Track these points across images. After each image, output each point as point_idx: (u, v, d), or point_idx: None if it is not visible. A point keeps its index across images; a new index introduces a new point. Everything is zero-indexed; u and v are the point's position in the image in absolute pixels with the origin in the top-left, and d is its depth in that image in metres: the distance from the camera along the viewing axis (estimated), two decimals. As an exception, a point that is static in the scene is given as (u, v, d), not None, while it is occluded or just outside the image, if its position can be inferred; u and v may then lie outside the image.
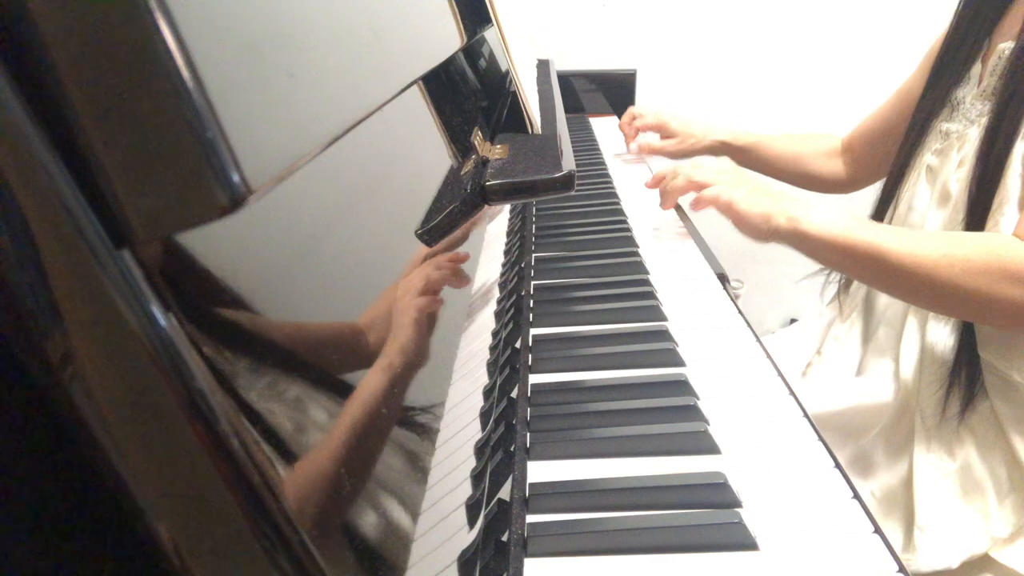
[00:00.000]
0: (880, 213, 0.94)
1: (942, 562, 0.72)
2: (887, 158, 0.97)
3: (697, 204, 0.83)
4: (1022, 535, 0.73)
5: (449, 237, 0.48)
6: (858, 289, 0.95)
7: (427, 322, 0.39)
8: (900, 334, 0.84)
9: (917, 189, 0.86)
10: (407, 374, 0.33)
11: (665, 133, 1.18)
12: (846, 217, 0.71)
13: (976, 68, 0.83)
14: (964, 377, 0.76)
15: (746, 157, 1.13)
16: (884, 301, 0.89)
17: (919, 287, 0.68)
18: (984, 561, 0.74)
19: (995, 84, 0.77)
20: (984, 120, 0.77)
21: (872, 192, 1.07)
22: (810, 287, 1.05)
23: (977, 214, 0.74)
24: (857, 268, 0.72)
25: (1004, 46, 0.77)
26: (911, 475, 0.77)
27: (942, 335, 0.79)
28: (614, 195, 1.05)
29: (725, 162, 0.86)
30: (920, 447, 0.77)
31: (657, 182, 0.93)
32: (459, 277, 0.49)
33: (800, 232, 0.71)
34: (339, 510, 0.24)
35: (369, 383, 0.29)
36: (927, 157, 0.85)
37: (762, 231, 0.74)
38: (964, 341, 0.76)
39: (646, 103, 1.73)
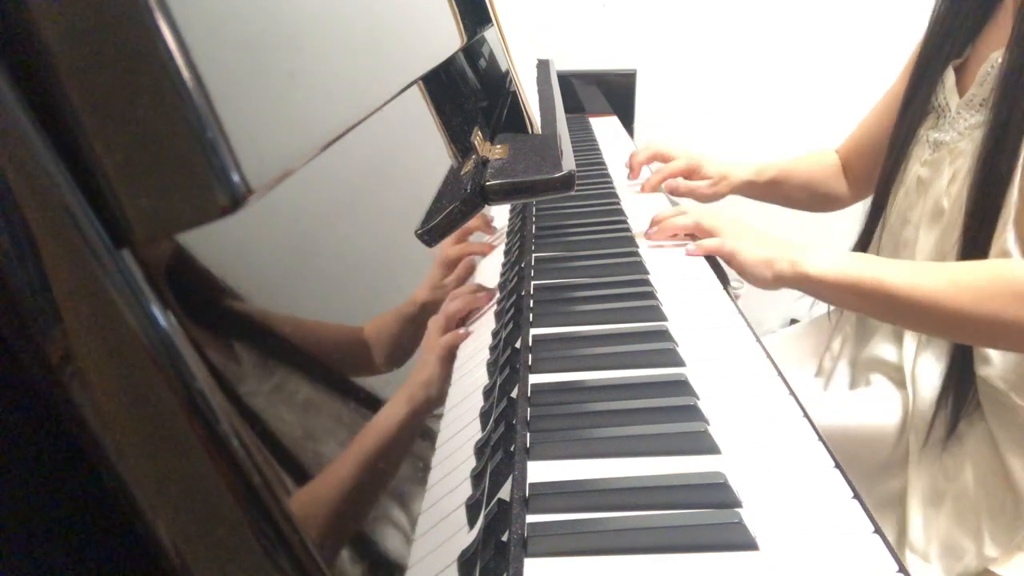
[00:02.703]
0: (870, 226, 0.94)
1: None
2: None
3: (698, 250, 0.83)
4: (1018, 552, 0.73)
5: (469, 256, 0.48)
6: None
7: (450, 358, 0.39)
8: (895, 350, 0.84)
9: (908, 201, 0.86)
10: (427, 408, 0.33)
11: (698, 175, 1.10)
12: (847, 256, 0.72)
13: (949, 74, 0.82)
14: (952, 400, 0.75)
15: (771, 191, 1.11)
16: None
17: (928, 318, 0.67)
18: None
19: (985, 94, 0.76)
20: (977, 134, 0.76)
21: (859, 205, 1.07)
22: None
23: (974, 231, 0.73)
24: (865, 305, 0.72)
25: (996, 55, 0.75)
26: (904, 491, 0.77)
27: (936, 354, 0.79)
28: (614, 195, 1.05)
29: (728, 215, 0.86)
30: (914, 464, 0.77)
31: (658, 222, 0.89)
32: (482, 298, 0.50)
33: (803, 275, 0.72)
34: (339, 510, 0.24)
35: (390, 413, 0.29)
36: (917, 167, 0.84)
37: (767, 278, 0.75)
38: (956, 363, 0.76)
39: (650, 136, 1.72)
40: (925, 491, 0.75)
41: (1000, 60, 0.74)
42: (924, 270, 0.68)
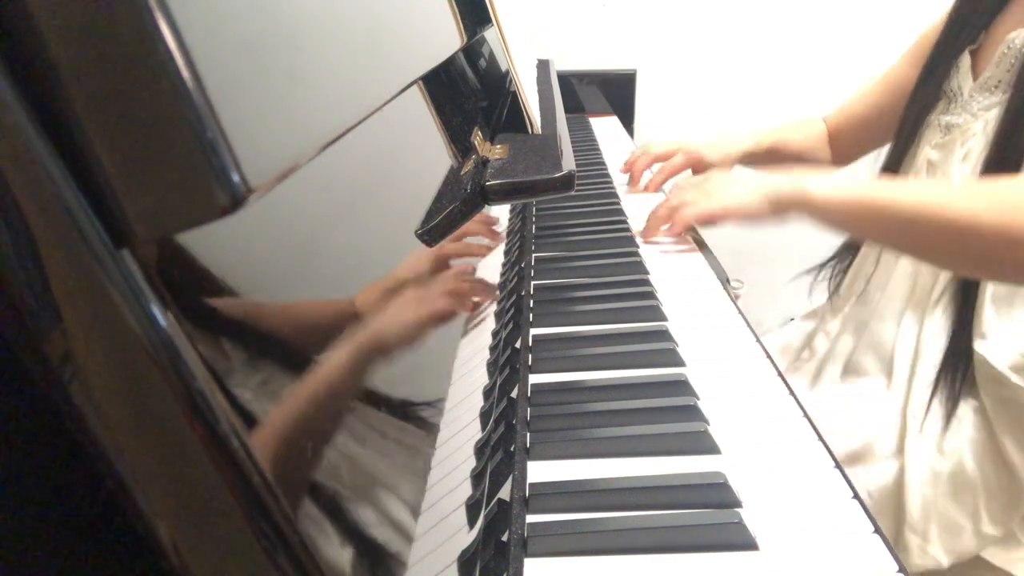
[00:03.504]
0: None
1: (932, 562, 0.73)
2: (870, 143, 0.97)
3: (680, 225, 0.82)
4: (1015, 536, 0.73)
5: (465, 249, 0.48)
6: (851, 284, 0.95)
7: (438, 319, 0.39)
8: (894, 330, 0.84)
9: None
10: (376, 355, 0.32)
11: (702, 167, 1.07)
12: (847, 178, 0.70)
13: (964, 58, 0.82)
14: (949, 380, 0.75)
15: (767, 160, 1.10)
16: (877, 295, 0.88)
17: (937, 227, 0.64)
18: (976, 561, 0.74)
19: (1002, 75, 0.77)
20: (991, 114, 0.76)
21: None
22: (805, 286, 1.05)
23: None
24: (869, 224, 0.70)
25: (1014, 35, 0.75)
26: (903, 474, 0.77)
27: (937, 331, 0.79)
28: (614, 195, 1.05)
29: (709, 176, 0.85)
30: (911, 444, 0.77)
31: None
32: (481, 294, 0.49)
33: (806, 197, 0.70)
34: (339, 510, 0.24)
35: (336, 354, 0.28)
36: (927, 151, 0.85)
37: (767, 211, 0.73)
38: (955, 339, 0.76)
39: (650, 136, 1.71)
40: (922, 471, 0.76)
41: (1018, 40, 0.75)
42: (932, 183, 0.68)
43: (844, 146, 1.08)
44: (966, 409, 0.76)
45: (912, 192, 0.66)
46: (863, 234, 0.82)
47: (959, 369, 0.75)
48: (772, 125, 1.13)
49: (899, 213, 0.66)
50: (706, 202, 0.78)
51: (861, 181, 0.70)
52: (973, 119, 0.79)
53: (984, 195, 0.63)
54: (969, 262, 0.70)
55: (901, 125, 0.90)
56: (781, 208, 0.73)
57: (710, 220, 0.78)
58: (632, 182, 1.11)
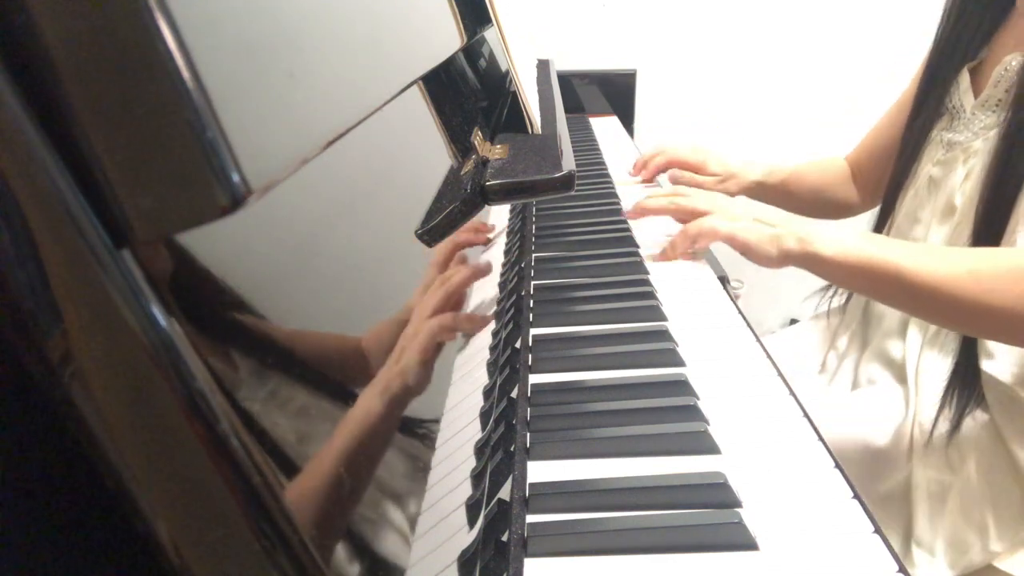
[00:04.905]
0: (879, 226, 0.94)
1: (938, 574, 0.72)
2: None
3: (701, 239, 0.78)
4: (1022, 548, 0.73)
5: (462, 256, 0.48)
6: (858, 299, 0.95)
7: (433, 350, 0.39)
8: (900, 345, 0.84)
9: (919, 201, 0.86)
10: (404, 398, 0.33)
11: (703, 171, 1.09)
12: (857, 236, 0.69)
13: (964, 76, 0.82)
14: (956, 396, 0.75)
15: (778, 194, 1.09)
16: (881, 309, 0.88)
17: (942, 306, 0.65)
18: (985, 572, 0.74)
19: (1000, 95, 0.77)
20: (992, 134, 0.76)
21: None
22: (810, 290, 1.05)
23: (985, 229, 0.73)
24: (875, 288, 0.69)
25: (1010, 58, 0.76)
26: (909, 486, 0.77)
27: (941, 351, 0.79)
28: (614, 195, 1.05)
29: (720, 197, 0.83)
30: (918, 458, 0.77)
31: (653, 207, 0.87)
32: (472, 317, 0.49)
33: (812, 254, 0.69)
34: (339, 510, 0.24)
35: (364, 405, 0.29)
36: (928, 168, 0.85)
37: (773, 257, 0.72)
38: (962, 358, 0.75)
39: (650, 136, 1.72)
40: (930, 485, 0.75)
41: (1015, 62, 0.75)
42: (941, 256, 0.66)
43: (872, 179, 1.05)
44: (974, 424, 0.75)
45: (919, 267, 0.64)
46: (866, 294, 0.80)
47: (966, 387, 0.75)
48: (788, 162, 1.12)
49: (903, 286, 0.65)
50: (731, 224, 0.75)
51: (871, 242, 0.68)
52: (975, 137, 0.79)
53: (989, 279, 0.62)
54: (969, 330, 0.71)
55: (904, 141, 0.89)
56: (789, 260, 0.72)
57: (730, 241, 0.75)
58: (638, 171, 1.13)
